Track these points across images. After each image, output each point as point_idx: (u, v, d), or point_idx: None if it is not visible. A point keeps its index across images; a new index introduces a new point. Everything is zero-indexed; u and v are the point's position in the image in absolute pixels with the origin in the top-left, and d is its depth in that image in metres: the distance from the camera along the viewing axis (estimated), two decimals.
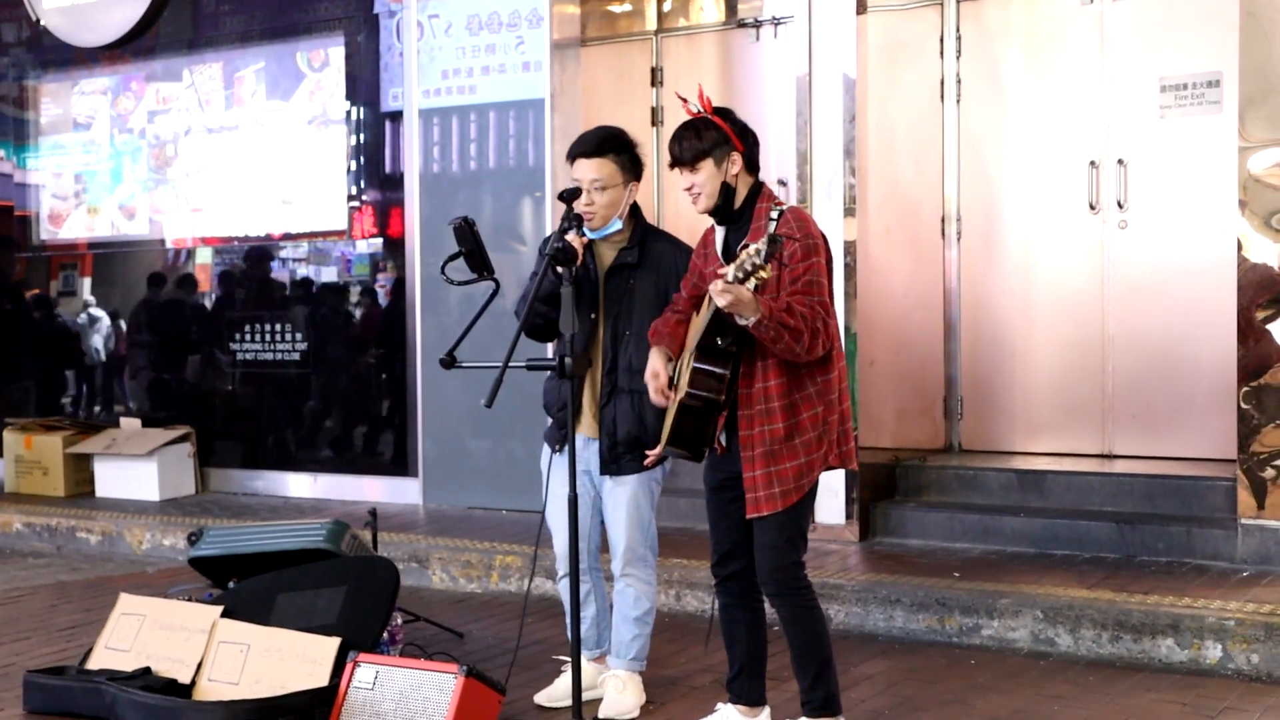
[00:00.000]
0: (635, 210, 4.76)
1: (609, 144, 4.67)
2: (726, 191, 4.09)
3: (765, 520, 4.05)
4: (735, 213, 4.12)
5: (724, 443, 4.12)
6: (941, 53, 7.89)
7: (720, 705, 4.40)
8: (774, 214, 4.03)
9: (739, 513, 4.09)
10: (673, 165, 4.15)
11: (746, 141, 4.13)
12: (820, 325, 3.88)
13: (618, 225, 4.68)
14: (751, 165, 4.16)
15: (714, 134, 4.08)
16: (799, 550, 4.11)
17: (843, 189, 6.93)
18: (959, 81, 7.86)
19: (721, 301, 3.72)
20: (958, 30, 7.85)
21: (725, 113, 4.17)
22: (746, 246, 3.75)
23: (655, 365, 4.16)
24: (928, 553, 6.64)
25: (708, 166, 4.08)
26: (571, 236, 4.45)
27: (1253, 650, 5.13)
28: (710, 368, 3.98)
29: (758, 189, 4.14)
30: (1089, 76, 7.55)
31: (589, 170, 4.62)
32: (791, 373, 3.99)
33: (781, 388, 3.99)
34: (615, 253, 4.69)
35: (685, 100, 4.18)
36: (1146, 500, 6.68)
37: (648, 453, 4.62)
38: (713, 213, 4.15)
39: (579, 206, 4.57)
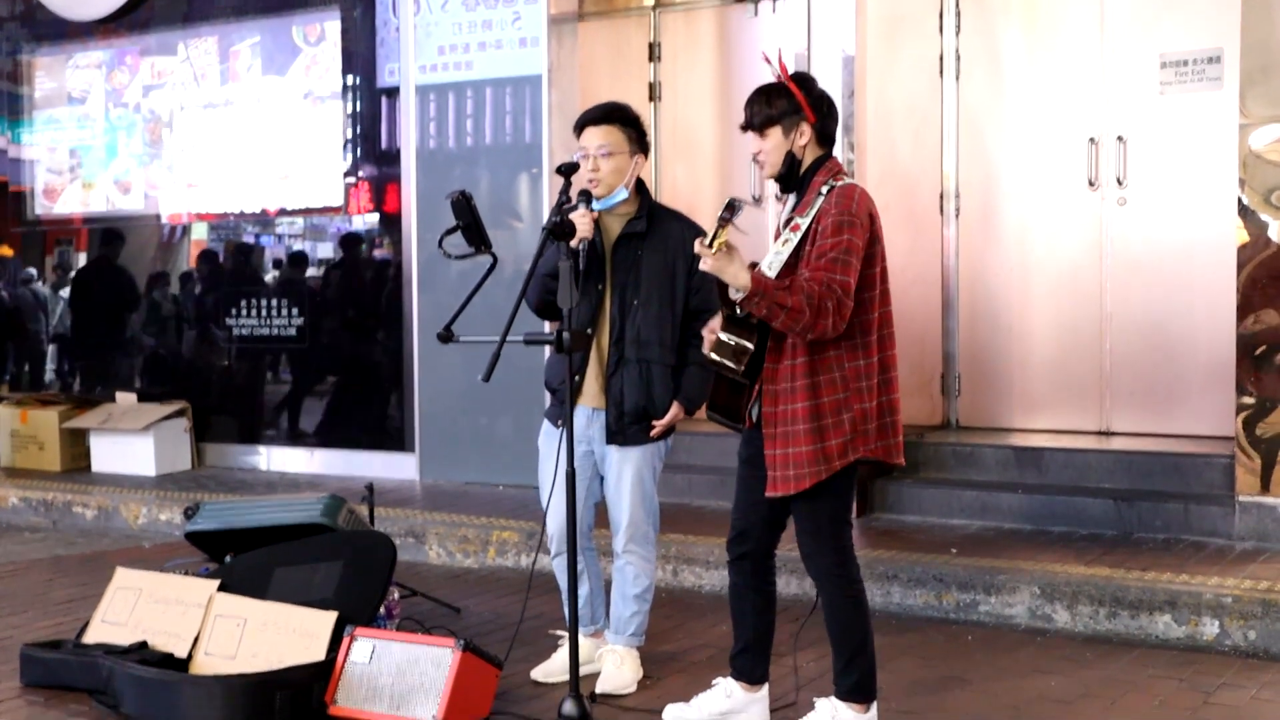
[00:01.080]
0: (642, 187, 4.75)
1: (615, 114, 4.70)
2: (791, 161, 4.04)
3: (794, 506, 4.05)
4: (798, 184, 4.07)
5: (753, 417, 4.10)
6: (941, 28, 7.86)
7: (719, 679, 4.39)
8: (824, 189, 3.98)
9: (761, 490, 4.06)
10: (744, 128, 4.11)
11: (820, 113, 4.05)
12: (830, 304, 3.80)
13: (623, 195, 4.66)
14: (824, 137, 4.09)
15: (785, 102, 4.02)
16: (835, 538, 4.07)
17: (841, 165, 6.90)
18: (958, 58, 7.83)
19: (704, 266, 3.77)
20: (957, 6, 7.81)
21: (804, 81, 4.09)
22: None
23: (713, 323, 4.09)
24: (925, 529, 6.64)
25: (775, 135, 4.03)
26: (581, 212, 4.44)
27: (1249, 626, 5.14)
28: (732, 338, 3.96)
29: (822, 161, 4.07)
30: (1089, 53, 7.52)
31: (595, 137, 4.63)
32: (817, 353, 3.94)
33: (806, 367, 3.94)
34: (622, 224, 4.68)
35: (769, 60, 4.12)
36: (1144, 477, 6.68)
37: (654, 423, 4.62)
38: (778, 180, 4.11)
39: (583, 176, 4.56)
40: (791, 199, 4.12)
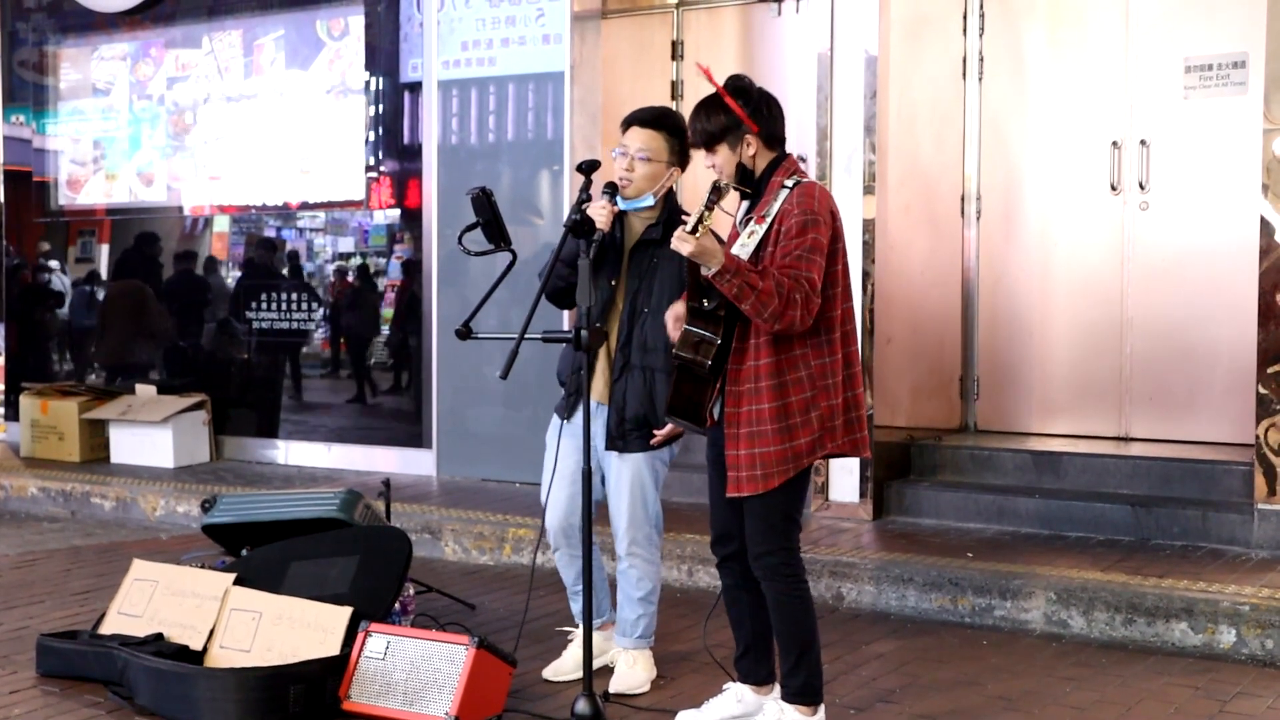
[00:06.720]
0: (670, 197, 4.72)
1: (666, 120, 4.64)
2: (744, 170, 4.04)
3: (749, 502, 4.01)
4: (755, 186, 4.06)
5: (714, 416, 4.08)
6: (964, 30, 7.83)
7: (729, 684, 4.38)
8: (782, 189, 3.97)
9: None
10: (691, 146, 4.11)
11: (761, 119, 4.03)
12: (799, 297, 3.81)
13: (650, 201, 4.62)
14: (771, 140, 4.07)
15: (723, 118, 3.99)
16: (786, 536, 4.04)
17: (862, 166, 6.89)
18: (981, 59, 7.81)
19: (684, 250, 3.76)
20: (981, 7, 7.78)
21: (740, 90, 4.05)
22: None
23: (678, 309, 4.10)
24: (941, 532, 6.62)
25: (723, 150, 4.02)
26: (601, 204, 4.42)
27: (1267, 635, 5.11)
28: (698, 330, 3.95)
29: (778, 162, 4.05)
30: (1113, 56, 7.49)
31: (638, 139, 4.59)
32: (783, 353, 3.93)
33: (771, 367, 3.93)
34: (644, 226, 4.66)
35: (705, 70, 4.06)
36: (1162, 483, 6.65)
37: (655, 432, 4.61)
38: (735, 187, 4.09)
39: (616, 173, 4.55)
40: (746, 204, 4.12)
